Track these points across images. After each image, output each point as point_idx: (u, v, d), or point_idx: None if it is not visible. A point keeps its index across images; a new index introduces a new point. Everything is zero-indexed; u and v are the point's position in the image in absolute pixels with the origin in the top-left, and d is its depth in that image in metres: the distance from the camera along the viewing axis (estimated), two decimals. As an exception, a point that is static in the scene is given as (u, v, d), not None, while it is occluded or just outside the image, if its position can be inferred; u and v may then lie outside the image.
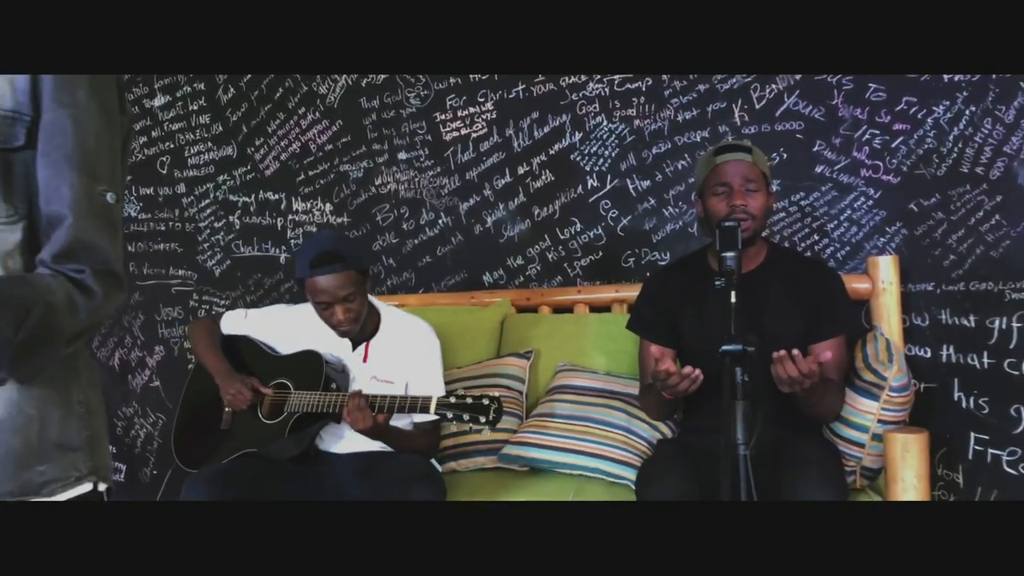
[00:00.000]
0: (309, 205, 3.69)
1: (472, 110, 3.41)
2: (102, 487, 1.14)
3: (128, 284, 1.19)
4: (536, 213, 3.35)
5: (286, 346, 2.53)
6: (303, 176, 3.69)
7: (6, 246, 1.06)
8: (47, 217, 1.08)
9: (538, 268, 3.37)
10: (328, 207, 3.64)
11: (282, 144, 3.71)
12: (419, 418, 2.34)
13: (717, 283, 1.95)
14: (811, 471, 2.02)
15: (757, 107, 3.00)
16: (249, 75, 3.73)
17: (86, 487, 1.12)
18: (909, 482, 2.05)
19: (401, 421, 2.47)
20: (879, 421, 2.20)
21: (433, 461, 2.51)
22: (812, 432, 2.28)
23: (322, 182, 3.66)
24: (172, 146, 3.91)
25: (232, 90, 3.77)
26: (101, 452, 1.15)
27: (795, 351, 1.94)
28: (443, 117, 3.46)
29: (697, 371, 2.01)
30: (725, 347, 1.80)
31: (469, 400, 2.11)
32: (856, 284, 2.63)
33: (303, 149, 3.68)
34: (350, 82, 3.58)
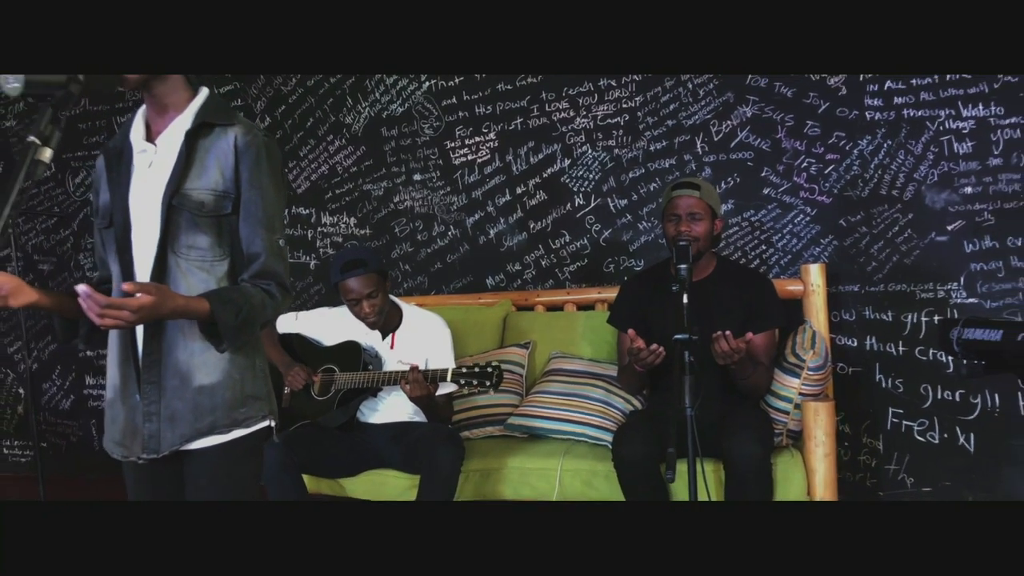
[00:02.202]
0: (336, 219, 4.16)
1: (478, 139, 3.89)
2: (272, 423, 1.73)
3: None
4: (531, 226, 3.83)
5: (329, 339, 3.06)
6: (330, 194, 4.16)
7: (219, 273, 1.65)
8: (248, 255, 1.66)
9: (533, 273, 3.83)
10: (352, 221, 4.13)
11: (312, 166, 4.18)
12: (438, 392, 2.89)
13: (674, 288, 2.46)
14: (746, 431, 2.57)
15: (715, 139, 3.53)
16: (283, 106, 4.23)
17: (266, 423, 1.71)
18: (820, 438, 2.61)
19: None
20: (800, 394, 2.74)
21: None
22: (749, 403, 2.83)
23: (347, 199, 4.13)
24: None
25: (268, 119, 4.25)
26: (273, 400, 1.74)
27: (727, 332, 2.52)
28: (453, 145, 3.94)
29: (661, 348, 2.57)
30: (677, 336, 2.35)
31: (476, 369, 2.67)
32: (791, 287, 3.15)
33: (331, 171, 4.16)
34: (372, 114, 4.07)
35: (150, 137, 1.68)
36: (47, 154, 1.33)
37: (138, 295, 1.45)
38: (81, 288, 1.44)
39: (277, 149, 1.72)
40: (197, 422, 1.62)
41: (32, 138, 1.31)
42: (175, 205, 1.61)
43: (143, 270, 1.63)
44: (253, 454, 1.69)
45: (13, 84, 1.31)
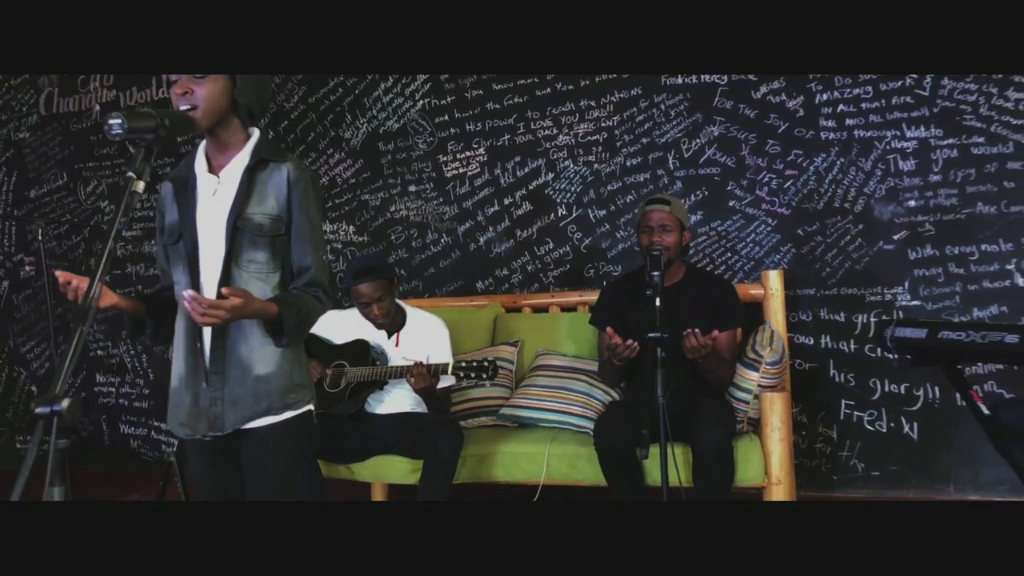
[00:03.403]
0: (336, 227, 4.41)
1: (468, 154, 4.19)
2: (312, 407, 2.04)
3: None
4: (518, 234, 4.12)
5: (340, 338, 3.34)
6: (331, 203, 4.39)
7: (273, 282, 1.95)
8: (299, 268, 1.97)
9: (520, 277, 4.13)
10: (351, 229, 4.39)
11: (313, 177, 4.48)
12: (440, 384, 3.21)
13: (648, 292, 2.77)
14: (712, 418, 2.88)
15: (686, 156, 3.86)
16: (286, 121, 4.52)
17: (310, 407, 2.02)
18: (776, 425, 2.95)
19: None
20: (759, 386, 3.06)
21: None
22: (715, 394, 3.15)
23: (347, 208, 4.38)
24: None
25: (271, 133, 4.51)
26: (313, 389, 2.05)
27: (696, 329, 2.84)
28: (445, 158, 4.23)
29: (635, 343, 2.88)
30: (650, 335, 2.67)
31: (475, 363, 3.00)
32: (753, 291, 3.47)
33: (331, 182, 4.41)
34: (370, 129, 4.35)
35: (212, 169, 1.99)
36: (141, 186, 1.63)
37: (231, 298, 1.77)
38: (188, 293, 1.76)
39: (319, 181, 2.03)
40: (256, 405, 1.93)
41: (130, 173, 1.62)
42: (239, 227, 1.92)
43: (209, 280, 1.94)
44: (300, 431, 2.00)
45: (117, 131, 1.63)
